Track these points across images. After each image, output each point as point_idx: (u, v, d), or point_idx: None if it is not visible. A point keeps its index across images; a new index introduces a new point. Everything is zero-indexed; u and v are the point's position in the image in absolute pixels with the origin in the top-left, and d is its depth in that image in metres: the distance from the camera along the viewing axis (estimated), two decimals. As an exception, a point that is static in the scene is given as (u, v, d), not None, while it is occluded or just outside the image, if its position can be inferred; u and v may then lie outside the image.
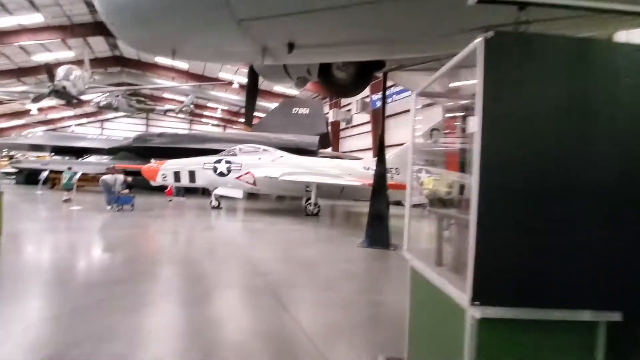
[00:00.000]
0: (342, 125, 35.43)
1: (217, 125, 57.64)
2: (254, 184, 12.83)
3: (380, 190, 7.06)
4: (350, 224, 11.64)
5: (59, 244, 6.11)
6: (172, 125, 49.78)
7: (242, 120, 54.91)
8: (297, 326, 3.06)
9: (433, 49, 5.30)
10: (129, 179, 12.26)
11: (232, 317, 3.34)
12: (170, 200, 15.72)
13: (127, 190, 11.74)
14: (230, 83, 36.11)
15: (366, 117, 30.96)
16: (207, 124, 57.43)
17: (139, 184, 16.95)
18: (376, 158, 7.53)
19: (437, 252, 2.05)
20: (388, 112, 28.99)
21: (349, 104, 34.54)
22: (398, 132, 27.05)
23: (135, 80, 33.72)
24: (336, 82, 6.34)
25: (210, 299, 3.73)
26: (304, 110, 21.77)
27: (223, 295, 3.90)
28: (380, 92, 26.70)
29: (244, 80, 36.15)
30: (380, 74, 7.14)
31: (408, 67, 6.45)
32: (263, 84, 39.76)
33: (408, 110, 25.79)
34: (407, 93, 23.98)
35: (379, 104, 27.01)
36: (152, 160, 19.97)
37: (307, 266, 5.18)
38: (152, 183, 13.72)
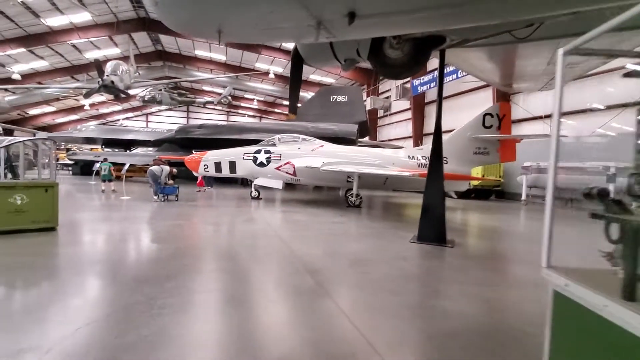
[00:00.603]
0: (380, 113, 34.32)
1: (253, 116, 58.48)
2: (294, 174, 12.58)
3: (435, 181, 6.43)
4: (396, 216, 11.03)
5: (111, 236, 6.17)
6: (210, 117, 51.20)
7: (278, 110, 55.37)
8: (360, 338, 2.65)
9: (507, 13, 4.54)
10: (175, 170, 12.50)
11: (284, 323, 3.01)
12: (199, 191, 15.94)
13: (172, 181, 11.98)
14: (267, 73, 36.17)
15: (406, 104, 29.71)
16: (244, 115, 58.43)
17: (182, 175, 17.45)
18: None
19: (627, 281, 1.31)
20: (429, 98, 27.60)
21: (387, 91, 33.34)
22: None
23: (177, 73, 34.77)
24: (389, 62, 5.74)
25: (260, 300, 3.43)
26: (342, 98, 21.15)
27: (273, 296, 3.59)
28: (423, 77, 25.37)
29: (280, 70, 36.34)
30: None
31: (469, 42, 5.69)
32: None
33: (451, 96, 24.30)
34: (452, 76, 22.50)
35: (420, 89, 25.71)
36: (194, 152, 20.47)
37: (359, 264, 4.76)
38: (195, 174, 13.92)
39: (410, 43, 5.53)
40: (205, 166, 13.44)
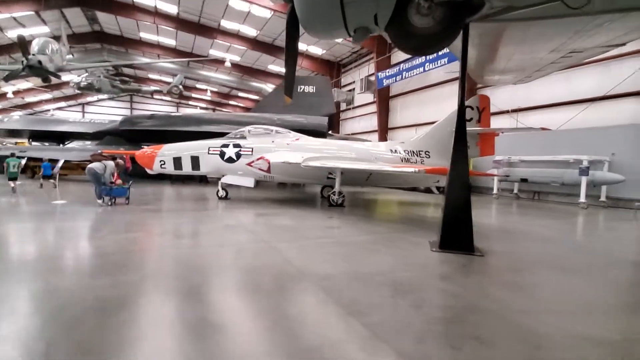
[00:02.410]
0: (343, 106, 33.57)
1: (206, 108, 54.99)
2: (268, 170, 11.13)
3: (459, 179, 5.52)
4: (390, 215, 10.13)
5: (34, 263, 4.39)
6: (157, 109, 46.89)
7: (234, 102, 52.48)
8: None
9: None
10: (129, 165, 10.36)
11: None
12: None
13: (120, 181, 9.91)
14: (222, 61, 33.67)
15: (369, 97, 29.23)
16: (196, 107, 54.74)
17: (132, 172, 15.09)
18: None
19: None
20: (393, 91, 27.34)
21: (350, 84, 32.65)
22: (406, 113, 25.47)
23: (118, 58, 30.84)
24: (416, 32, 4.60)
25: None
26: (311, 89, 19.86)
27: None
28: (388, 70, 24.93)
29: (237, 58, 33.91)
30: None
31: (508, 13, 4.77)
32: (257, 62, 37.48)
33: (419, 89, 24.15)
34: (419, 69, 22.25)
35: (386, 82, 25.23)
36: (144, 145, 18.04)
37: (397, 290, 3.65)
38: (149, 171, 11.85)
39: (443, 8, 4.46)
40: (162, 162, 11.47)
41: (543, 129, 11.64)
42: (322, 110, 19.69)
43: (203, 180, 20.88)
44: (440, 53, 20.57)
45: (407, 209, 11.52)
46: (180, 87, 32.32)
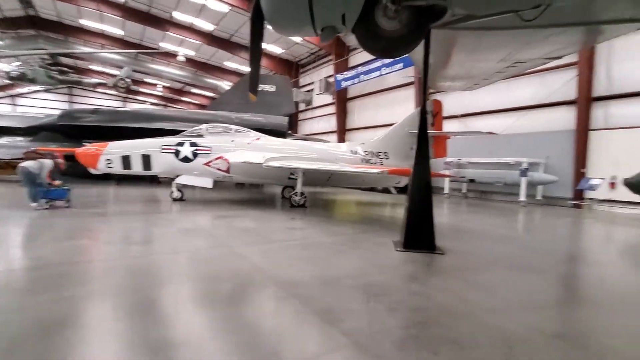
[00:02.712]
0: (301, 106, 33.52)
1: (157, 104, 51.98)
2: (228, 171, 10.72)
3: (421, 180, 5.69)
4: (351, 216, 10.21)
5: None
6: (101, 103, 43.25)
7: (187, 99, 50.17)
8: None
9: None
10: (62, 163, 9.36)
11: None
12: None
13: (59, 182, 8.92)
14: (174, 55, 32.01)
15: (328, 98, 29.48)
16: (145, 102, 51.46)
17: (70, 172, 13.68)
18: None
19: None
20: (351, 93, 27.83)
21: (308, 84, 32.67)
22: (363, 115, 26.03)
23: (56, 46, 27.95)
24: (383, 34, 4.68)
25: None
26: (270, 88, 19.54)
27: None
28: (346, 72, 25.36)
29: (191, 53, 32.40)
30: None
31: (469, 21, 5.01)
32: (212, 58, 36.26)
33: (377, 92, 24.78)
34: (376, 73, 22.85)
35: (344, 84, 25.60)
36: (87, 143, 16.55)
37: (369, 293, 3.66)
38: (92, 170, 10.83)
39: (408, 12, 4.56)
40: (108, 161, 10.54)
41: (490, 133, 12.52)
42: (282, 110, 19.48)
43: (154, 180, 19.62)
44: (395, 58, 21.34)
45: (368, 209, 11.74)
46: (128, 80, 30.12)
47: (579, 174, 13.83)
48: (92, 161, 10.55)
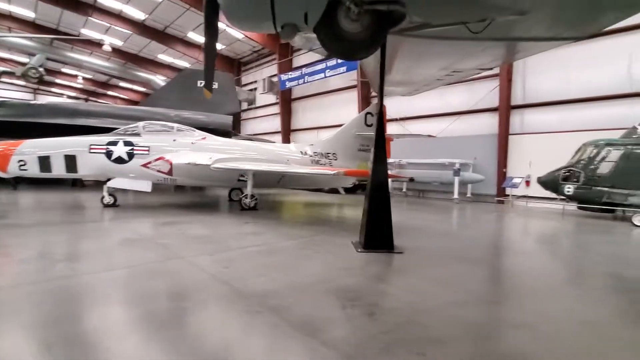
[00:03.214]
0: (244, 105, 32.55)
1: (77, 98, 46.48)
2: (170, 172, 9.90)
3: (380, 182, 5.85)
4: (306, 217, 10.09)
5: None
6: (6, 95, 37.13)
7: (113, 93, 45.61)
8: None
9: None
10: None
11: None
12: None
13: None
14: (100, 44, 28.81)
15: (272, 98, 29.07)
16: (62, 95, 45.66)
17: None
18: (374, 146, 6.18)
19: None
20: (295, 94, 27.78)
21: (251, 83, 31.85)
22: (308, 116, 26.15)
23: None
24: (345, 36, 4.70)
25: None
26: (213, 85, 18.51)
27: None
28: (291, 72, 25.27)
29: (119, 43, 29.45)
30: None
31: (424, 29, 5.28)
32: (144, 49, 33.56)
33: (321, 94, 25.05)
34: (320, 75, 23.11)
35: (288, 84, 25.45)
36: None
37: (344, 298, 3.61)
38: (1, 174, 9.19)
39: (370, 16, 4.64)
40: (21, 162, 9.03)
41: (429, 136, 13.43)
42: (225, 109, 18.67)
43: (77, 183, 17.40)
44: (339, 61, 21.80)
45: (319, 210, 11.78)
46: (41, 69, 26.25)
47: (501, 173, 15.55)
48: (1, 163, 8.93)
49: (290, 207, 12.56)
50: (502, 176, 15.51)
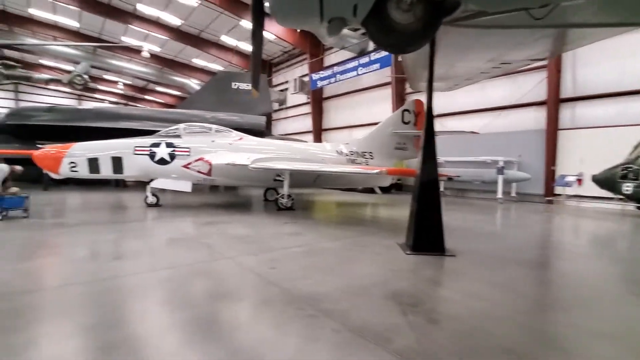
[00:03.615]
0: (275, 106, 32.84)
1: (117, 103, 48.90)
2: (209, 173, 10.05)
3: (430, 181, 5.52)
4: (345, 218, 9.78)
5: None
6: (52, 102, 39.83)
7: (150, 97, 47.66)
8: None
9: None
10: (18, 167, 8.26)
11: None
12: None
13: (16, 189, 7.84)
14: (139, 51, 30.14)
15: (302, 98, 29.11)
16: (103, 100, 48.26)
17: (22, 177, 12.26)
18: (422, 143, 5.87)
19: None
20: (326, 93, 27.64)
21: (282, 84, 32.09)
22: (340, 115, 25.91)
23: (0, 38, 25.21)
24: (395, 28, 4.42)
25: None
26: (246, 86, 18.82)
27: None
28: (322, 72, 25.12)
29: (157, 49, 30.66)
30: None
31: (479, 18, 4.91)
32: (180, 54, 34.54)
33: (353, 92, 24.73)
34: (352, 73, 22.80)
35: (320, 84, 25.34)
36: (41, 144, 15.05)
37: (402, 303, 3.38)
38: (53, 175, 9.72)
39: (422, 5, 4.35)
40: (73, 164, 9.49)
41: (473, 132, 12.80)
42: (259, 109, 18.86)
43: (120, 184, 18.25)
44: (372, 58, 21.39)
45: (356, 210, 11.52)
46: (86, 77, 27.85)
47: (550, 171, 14.53)
48: (53, 165, 9.44)
49: (326, 207, 12.38)
50: (550, 174, 14.50)
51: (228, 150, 10.46)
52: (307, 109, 28.66)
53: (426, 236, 5.39)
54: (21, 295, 3.39)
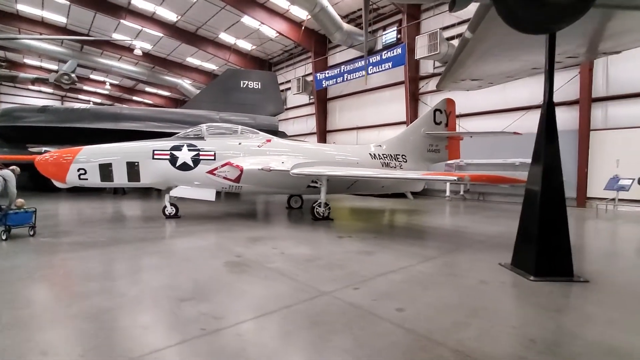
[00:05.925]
0: (275, 107, 31.61)
1: (101, 104, 46.60)
2: (237, 180, 8.90)
3: (553, 190, 4.62)
4: (403, 230, 8.61)
5: None
6: (34, 102, 37.44)
7: (138, 98, 45.59)
8: None
9: None
10: (17, 169, 6.83)
11: None
12: None
13: (21, 200, 6.50)
14: (130, 49, 28.52)
15: (304, 99, 28.06)
16: (88, 101, 45.89)
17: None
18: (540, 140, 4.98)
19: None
20: (330, 93, 26.65)
21: (282, 83, 30.93)
22: (346, 115, 24.96)
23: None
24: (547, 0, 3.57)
25: None
26: (255, 85, 17.67)
27: None
28: (328, 71, 24.16)
29: (148, 46, 29.00)
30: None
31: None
32: (173, 53, 32.83)
33: (359, 92, 23.82)
34: (361, 72, 21.92)
35: (325, 83, 24.35)
36: (32, 147, 13.62)
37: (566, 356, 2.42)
38: (58, 184, 8.39)
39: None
40: (81, 171, 8.18)
41: (515, 133, 12.08)
42: (269, 109, 17.75)
43: (118, 191, 16.75)
44: (384, 57, 20.55)
45: (399, 219, 10.53)
46: (73, 75, 26.04)
47: (583, 174, 13.97)
48: (58, 172, 8.11)
49: (363, 215, 11.28)
50: (583, 177, 13.94)
51: (256, 154, 9.34)
52: (310, 109, 27.65)
53: (552, 257, 4.47)
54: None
